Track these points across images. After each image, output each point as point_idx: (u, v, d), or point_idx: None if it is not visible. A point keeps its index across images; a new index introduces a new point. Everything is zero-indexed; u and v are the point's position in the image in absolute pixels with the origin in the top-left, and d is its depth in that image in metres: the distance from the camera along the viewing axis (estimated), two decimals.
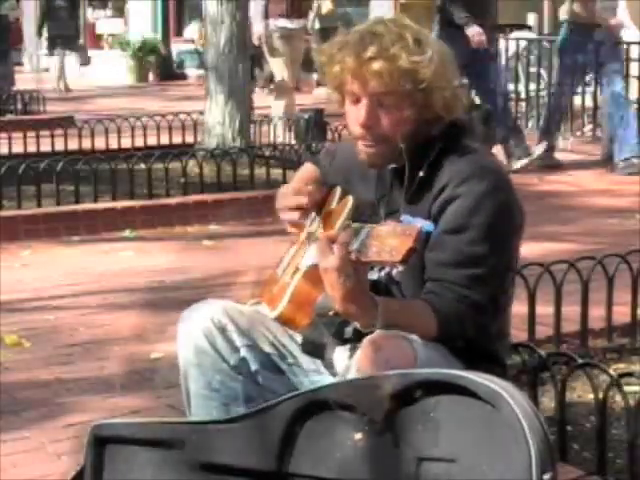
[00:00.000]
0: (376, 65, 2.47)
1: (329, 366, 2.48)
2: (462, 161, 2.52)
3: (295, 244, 2.82)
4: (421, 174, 2.55)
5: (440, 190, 2.50)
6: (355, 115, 2.56)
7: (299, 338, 2.63)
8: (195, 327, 2.69)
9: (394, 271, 2.52)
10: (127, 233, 6.84)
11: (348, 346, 2.40)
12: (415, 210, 2.55)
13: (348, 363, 2.28)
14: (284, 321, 2.64)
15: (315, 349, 2.47)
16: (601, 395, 3.05)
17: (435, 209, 2.51)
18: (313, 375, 2.68)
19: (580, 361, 3.24)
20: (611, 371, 3.15)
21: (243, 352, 2.67)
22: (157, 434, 2.57)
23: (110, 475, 2.63)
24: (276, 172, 7.91)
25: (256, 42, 10.92)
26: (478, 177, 2.49)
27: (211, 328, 2.68)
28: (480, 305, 2.48)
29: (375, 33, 2.51)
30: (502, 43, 11.17)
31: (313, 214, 2.78)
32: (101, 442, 2.64)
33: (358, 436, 2.08)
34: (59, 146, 9.28)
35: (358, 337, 2.38)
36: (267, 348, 2.71)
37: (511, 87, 11.07)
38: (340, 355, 2.29)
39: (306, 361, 2.69)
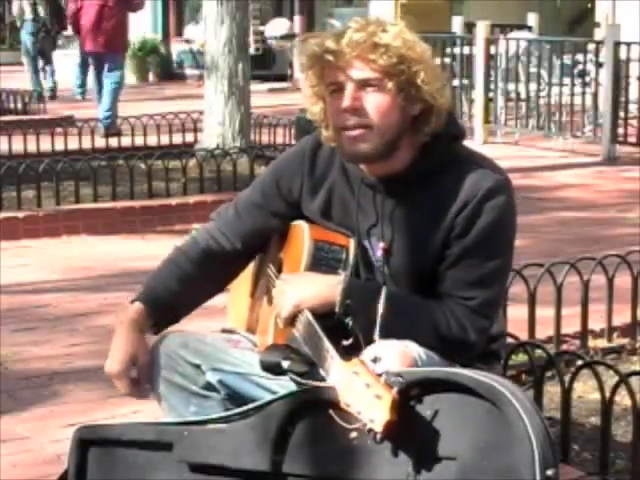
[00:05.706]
0: (358, 47, 2.39)
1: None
2: (478, 174, 2.46)
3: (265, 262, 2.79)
4: (430, 184, 2.47)
5: (462, 206, 2.44)
6: (338, 104, 2.45)
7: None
8: (160, 358, 2.62)
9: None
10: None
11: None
12: (426, 223, 2.48)
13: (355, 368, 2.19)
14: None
15: (271, 367, 2.43)
16: (608, 394, 3.05)
17: (460, 226, 2.45)
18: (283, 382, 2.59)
19: (588, 359, 3.24)
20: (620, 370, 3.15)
21: (209, 375, 2.62)
22: (145, 435, 2.55)
23: (93, 476, 2.62)
24: None
25: None
26: (499, 191, 2.45)
27: (173, 357, 2.62)
28: (489, 316, 2.49)
29: (360, 24, 2.43)
30: (502, 43, 11.17)
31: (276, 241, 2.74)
32: (85, 444, 2.63)
33: (354, 435, 2.06)
34: (59, 146, 9.27)
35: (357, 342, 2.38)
36: (232, 368, 2.64)
37: (511, 87, 11.07)
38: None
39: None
